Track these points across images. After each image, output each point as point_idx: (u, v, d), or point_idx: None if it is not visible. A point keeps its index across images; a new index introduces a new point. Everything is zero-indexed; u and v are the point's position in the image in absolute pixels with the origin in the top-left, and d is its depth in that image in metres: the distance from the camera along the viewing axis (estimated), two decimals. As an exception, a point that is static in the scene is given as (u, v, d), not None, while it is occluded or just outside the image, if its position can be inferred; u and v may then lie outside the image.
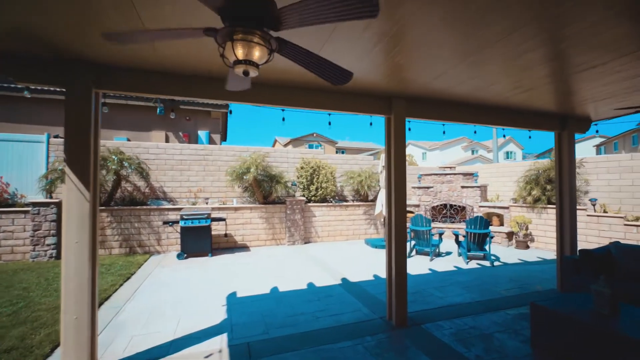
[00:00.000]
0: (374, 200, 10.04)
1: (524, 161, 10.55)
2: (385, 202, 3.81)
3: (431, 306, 4.19)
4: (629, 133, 30.59)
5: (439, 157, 37.30)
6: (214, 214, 7.96)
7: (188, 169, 8.73)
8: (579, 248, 7.27)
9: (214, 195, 8.90)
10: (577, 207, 7.72)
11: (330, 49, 2.50)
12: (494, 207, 9.17)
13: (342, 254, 7.53)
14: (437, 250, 7.30)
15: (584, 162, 8.17)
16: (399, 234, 3.65)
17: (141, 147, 8.38)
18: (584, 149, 34.29)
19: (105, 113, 11.23)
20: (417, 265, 6.46)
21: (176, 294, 4.71)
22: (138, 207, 7.48)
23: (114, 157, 7.25)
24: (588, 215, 7.36)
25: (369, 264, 6.51)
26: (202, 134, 11.34)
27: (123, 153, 7.62)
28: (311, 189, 9.33)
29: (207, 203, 8.54)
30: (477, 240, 6.73)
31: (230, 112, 3.57)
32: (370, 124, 4.30)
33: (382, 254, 7.55)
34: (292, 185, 9.27)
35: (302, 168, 9.55)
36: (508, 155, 39.98)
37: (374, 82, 3.28)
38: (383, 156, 8.49)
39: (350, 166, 10.54)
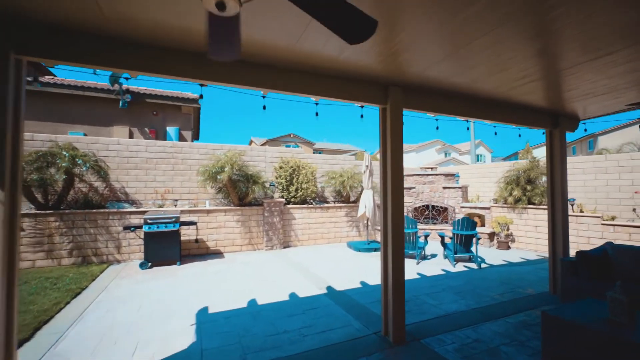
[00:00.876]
0: (356, 201, 9.69)
1: (503, 162, 10.70)
2: (380, 202, 3.41)
3: (427, 316, 3.83)
4: (585, 138, 32.77)
5: (415, 159, 37.99)
6: (184, 218, 7.22)
7: (154, 168, 7.90)
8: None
9: (184, 196, 8.12)
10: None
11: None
12: (475, 207, 9.13)
13: (325, 259, 7.07)
14: (423, 253, 7.04)
15: (561, 162, 8.31)
16: (397, 238, 3.25)
17: (100, 142, 7.46)
18: (543, 152, 36.36)
19: (58, 105, 10.12)
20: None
21: (135, 311, 4.01)
22: (94, 210, 6.58)
23: (65, 153, 6.32)
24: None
25: (354, 269, 6.10)
26: (171, 130, 10.45)
27: (77, 149, 6.69)
28: (291, 189, 8.81)
29: (175, 205, 7.76)
30: (463, 241, 6.54)
31: (201, 96, 2.97)
32: (361, 116, 3.89)
33: (365, 257, 7.19)
34: (270, 185, 8.70)
35: (280, 168, 9.00)
36: (478, 158, 41.57)
37: (369, 65, 2.87)
38: (366, 155, 8.17)
39: (331, 166, 10.13)
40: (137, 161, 7.72)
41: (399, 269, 3.27)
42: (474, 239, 6.49)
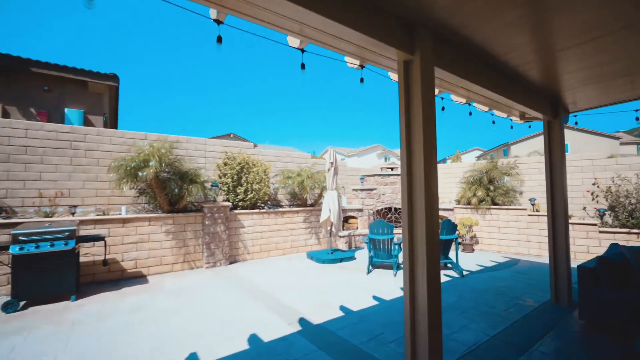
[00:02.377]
0: (314, 205, 8.53)
1: (462, 162, 10.72)
2: (403, 195, 2.28)
3: (451, 357, 2.81)
4: (501, 147, 37.35)
5: (357, 163, 38.61)
6: (87, 230, 5.14)
7: (40, 161, 5.58)
8: (519, 248, 7.21)
9: (89, 201, 5.94)
10: (516, 207, 7.77)
11: None
12: (440, 209, 8.73)
13: (285, 276, 5.70)
14: (398, 262, 6.19)
15: (518, 162, 8.40)
16: (432, 249, 2.15)
17: (-60, 120, 4.91)
18: (468, 159, 40.46)
19: None
20: (383, 283, 5.17)
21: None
22: None
23: None
24: (529, 215, 7.40)
25: (325, 288, 4.89)
26: (72, 113, 7.88)
27: None
28: (238, 191, 7.21)
29: (73, 214, 5.56)
30: (442, 247, 5.86)
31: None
32: (361, 80, 2.76)
33: (333, 270, 6.04)
34: (212, 186, 6.99)
35: (225, 165, 7.35)
36: (413, 163, 44.23)
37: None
38: (331, 151, 7.10)
39: (286, 164, 8.80)
40: (10, 150, 5.33)
41: (435, 296, 2.17)
42: (454, 244, 5.86)
